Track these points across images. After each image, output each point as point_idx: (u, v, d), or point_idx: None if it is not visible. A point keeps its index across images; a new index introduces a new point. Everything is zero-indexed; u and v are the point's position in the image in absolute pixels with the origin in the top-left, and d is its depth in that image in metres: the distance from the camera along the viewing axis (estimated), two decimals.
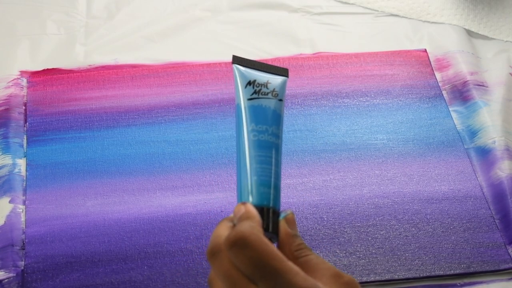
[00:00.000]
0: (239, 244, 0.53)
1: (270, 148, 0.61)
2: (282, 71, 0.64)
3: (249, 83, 0.63)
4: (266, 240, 0.54)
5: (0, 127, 0.87)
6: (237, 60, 0.64)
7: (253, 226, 0.55)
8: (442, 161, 0.86)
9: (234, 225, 0.57)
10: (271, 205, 0.59)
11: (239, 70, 0.63)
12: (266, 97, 0.62)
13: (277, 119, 0.62)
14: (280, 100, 0.63)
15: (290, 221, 0.59)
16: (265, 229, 0.58)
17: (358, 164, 0.86)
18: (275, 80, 0.63)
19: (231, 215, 0.58)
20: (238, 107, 0.62)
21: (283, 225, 0.58)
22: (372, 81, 0.94)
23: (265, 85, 0.63)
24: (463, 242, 0.79)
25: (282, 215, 0.59)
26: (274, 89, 0.63)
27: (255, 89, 0.63)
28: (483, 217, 0.81)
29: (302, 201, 0.82)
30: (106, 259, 0.77)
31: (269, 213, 0.59)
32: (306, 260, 0.57)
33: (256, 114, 0.62)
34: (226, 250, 0.54)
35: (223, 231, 0.56)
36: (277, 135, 0.62)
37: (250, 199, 0.59)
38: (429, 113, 0.91)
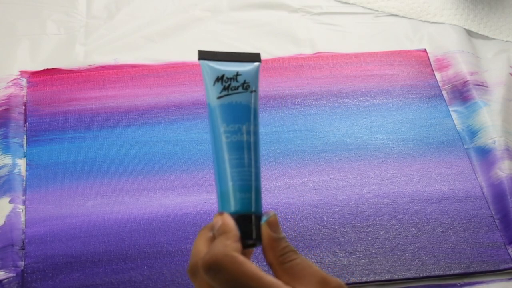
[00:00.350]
0: (213, 268, 0.53)
1: (244, 148, 0.58)
2: (253, 57, 0.61)
3: (217, 79, 0.59)
4: (241, 260, 0.53)
5: (0, 127, 0.87)
6: (203, 55, 0.60)
7: (226, 245, 0.54)
8: (442, 161, 0.86)
9: (213, 236, 0.56)
10: (252, 210, 0.57)
11: (205, 67, 0.60)
12: (236, 92, 0.59)
13: (250, 114, 0.59)
14: (253, 91, 0.59)
15: (273, 224, 0.57)
16: (247, 237, 0.56)
17: (358, 164, 0.86)
18: (245, 70, 0.60)
19: (212, 222, 0.57)
20: (208, 108, 0.59)
21: (265, 230, 0.57)
22: (372, 81, 0.94)
23: (235, 78, 0.59)
24: (463, 242, 0.79)
25: (263, 219, 0.57)
26: (244, 80, 0.59)
27: (224, 85, 0.59)
28: (483, 217, 0.81)
29: (302, 201, 0.82)
30: (106, 259, 0.77)
31: (250, 220, 0.57)
32: (291, 265, 0.55)
33: (227, 113, 0.58)
34: (202, 274, 0.53)
35: (201, 246, 0.55)
36: (253, 132, 0.58)
37: (228, 207, 0.57)
38: (429, 113, 0.91)
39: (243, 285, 0.52)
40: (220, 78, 0.59)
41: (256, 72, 0.60)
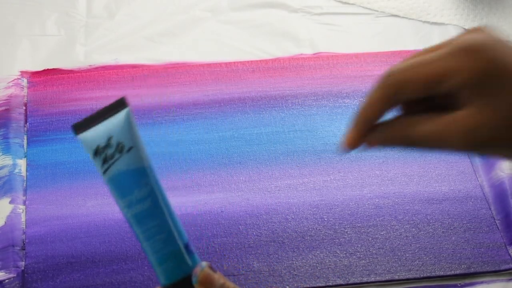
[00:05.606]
0: None
1: (146, 217, 0.54)
2: (119, 105, 0.54)
3: (95, 153, 0.53)
4: None
5: (1, 128, 0.87)
6: (78, 128, 0.54)
7: None
8: (443, 161, 0.86)
9: None
10: (177, 278, 0.55)
11: (82, 142, 0.54)
12: (113, 160, 0.53)
13: (135, 178, 0.53)
14: (130, 148, 0.53)
15: (204, 281, 0.56)
16: None
17: (358, 165, 0.86)
18: (115, 127, 0.53)
19: None
20: None
21: None
22: (373, 81, 0.94)
23: (109, 144, 0.53)
24: (463, 242, 0.79)
25: (194, 280, 0.55)
26: (118, 142, 0.53)
27: (102, 157, 0.53)
28: (483, 218, 0.81)
29: (302, 202, 0.82)
30: (107, 259, 0.77)
31: (180, 286, 0.55)
32: None
33: (116, 187, 0.54)
34: None
35: None
36: (146, 196, 0.54)
37: (159, 281, 0.55)
38: None
39: None
40: (96, 151, 0.53)
41: (127, 123, 0.54)
